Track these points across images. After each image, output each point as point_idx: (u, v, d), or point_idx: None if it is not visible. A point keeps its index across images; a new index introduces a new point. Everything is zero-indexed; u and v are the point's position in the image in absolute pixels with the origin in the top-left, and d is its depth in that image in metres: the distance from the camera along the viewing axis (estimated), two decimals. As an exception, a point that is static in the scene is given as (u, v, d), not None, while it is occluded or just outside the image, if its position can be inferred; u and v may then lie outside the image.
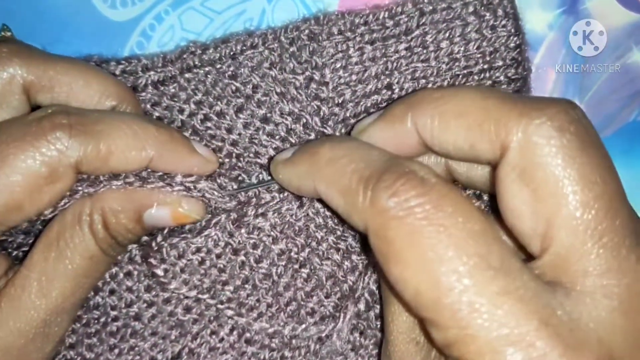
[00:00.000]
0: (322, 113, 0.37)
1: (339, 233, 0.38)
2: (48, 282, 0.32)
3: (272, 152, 0.37)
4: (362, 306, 0.38)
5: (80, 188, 0.33)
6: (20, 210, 0.31)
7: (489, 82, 0.37)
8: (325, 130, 0.37)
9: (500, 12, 0.36)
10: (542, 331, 0.23)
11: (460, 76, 0.37)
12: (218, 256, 0.37)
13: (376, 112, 0.33)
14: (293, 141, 0.37)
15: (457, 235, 0.24)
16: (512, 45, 0.37)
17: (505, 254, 0.25)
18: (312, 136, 0.37)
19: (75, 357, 0.37)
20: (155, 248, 0.36)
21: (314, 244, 0.38)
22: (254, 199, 0.37)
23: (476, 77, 0.37)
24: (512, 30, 0.37)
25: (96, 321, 0.38)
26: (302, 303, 0.38)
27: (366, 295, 0.38)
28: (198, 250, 0.37)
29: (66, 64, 0.34)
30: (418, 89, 0.37)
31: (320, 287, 0.38)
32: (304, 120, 0.37)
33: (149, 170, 0.34)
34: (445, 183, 0.26)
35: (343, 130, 0.38)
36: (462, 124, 0.28)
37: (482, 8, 0.37)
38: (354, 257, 0.38)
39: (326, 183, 0.29)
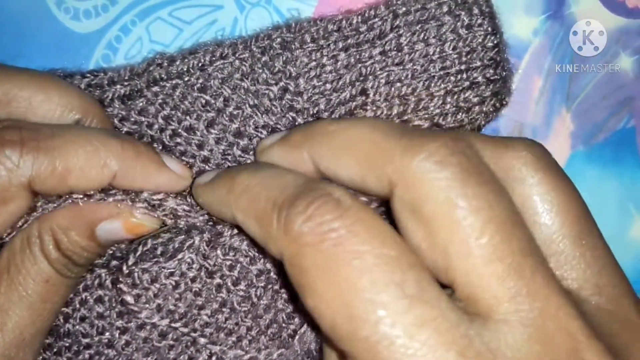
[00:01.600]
0: (296, 125, 0.36)
1: None
2: (2, 313, 0.30)
3: None
4: None
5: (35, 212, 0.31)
6: None
7: (467, 83, 0.36)
8: None
9: (475, 10, 0.35)
10: None
11: (436, 77, 0.36)
12: (193, 280, 0.35)
13: (278, 133, 0.33)
14: None
15: (371, 262, 0.24)
16: (489, 44, 0.35)
17: (422, 281, 0.24)
18: None
19: None
20: (127, 272, 0.34)
21: None
22: None
23: (453, 79, 0.36)
24: (489, 29, 0.35)
25: (67, 350, 0.36)
26: (284, 325, 0.36)
27: None
28: (171, 274, 0.35)
29: (24, 75, 0.32)
30: (316, 120, 0.36)
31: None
32: None
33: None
34: (362, 205, 0.25)
35: None
36: (352, 158, 0.27)
37: (457, 7, 0.35)
38: None
39: (242, 212, 0.28)
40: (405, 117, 0.36)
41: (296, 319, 0.36)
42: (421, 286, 0.24)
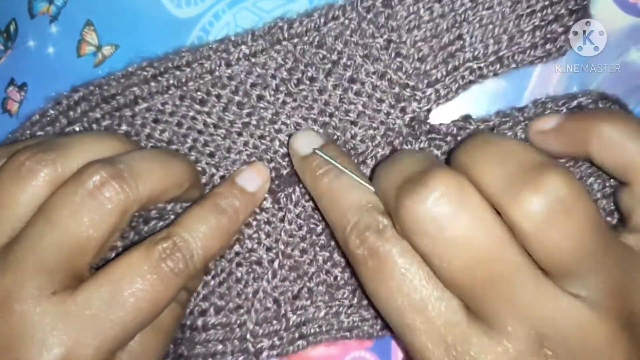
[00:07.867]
0: (404, 68, 0.42)
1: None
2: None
3: (360, 109, 0.42)
4: None
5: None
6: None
7: (552, 16, 0.40)
8: (409, 82, 0.42)
9: None
10: None
11: (524, 16, 0.40)
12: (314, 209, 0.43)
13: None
14: (378, 96, 0.42)
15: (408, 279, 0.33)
16: None
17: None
18: (397, 89, 0.42)
19: (209, 306, 0.42)
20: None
21: None
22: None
23: (539, 14, 0.40)
24: None
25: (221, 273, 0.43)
26: None
27: None
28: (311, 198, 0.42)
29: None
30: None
31: None
32: (389, 77, 0.42)
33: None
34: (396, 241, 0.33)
35: (425, 82, 0.42)
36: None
37: None
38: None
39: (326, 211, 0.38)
40: (501, 54, 0.41)
41: None
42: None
